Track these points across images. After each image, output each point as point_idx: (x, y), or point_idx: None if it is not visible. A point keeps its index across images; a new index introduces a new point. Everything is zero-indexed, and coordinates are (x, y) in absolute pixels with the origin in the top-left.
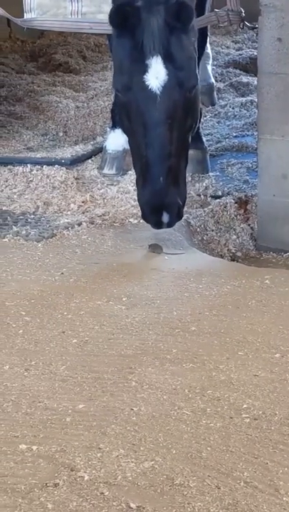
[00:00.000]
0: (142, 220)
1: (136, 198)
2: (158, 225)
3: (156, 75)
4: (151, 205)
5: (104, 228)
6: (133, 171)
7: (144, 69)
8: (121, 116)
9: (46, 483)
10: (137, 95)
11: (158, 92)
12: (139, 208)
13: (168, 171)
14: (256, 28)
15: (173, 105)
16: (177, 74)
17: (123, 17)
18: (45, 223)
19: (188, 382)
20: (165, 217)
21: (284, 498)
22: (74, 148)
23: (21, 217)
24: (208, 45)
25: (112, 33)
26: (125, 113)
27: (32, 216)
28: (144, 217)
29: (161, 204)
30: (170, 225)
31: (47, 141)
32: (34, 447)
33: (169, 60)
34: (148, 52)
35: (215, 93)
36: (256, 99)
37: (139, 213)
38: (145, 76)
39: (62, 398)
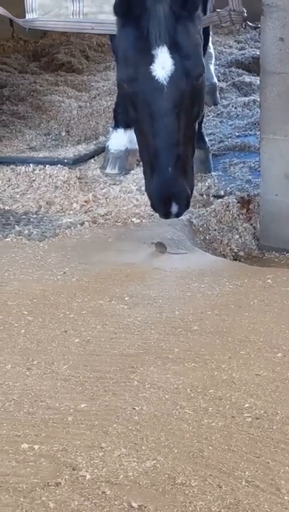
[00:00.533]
0: (144, 220)
1: (138, 197)
2: (167, 215)
3: (162, 65)
4: (160, 195)
5: (106, 228)
6: (136, 170)
7: (151, 59)
8: (127, 107)
9: (48, 483)
10: (143, 86)
11: (165, 82)
12: (141, 208)
13: (176, 161)
14: (258, 27)
15: (180, 95)
16: (184, 63)
17: (128, 6)
18: (47, 223)
19: (190, 381)
20: (174, 208)
21: (285, 498)
22: (76, 147)
23: (24, 216)
24: (210, 44)
25: (117, 22)
26: (131, 104)
27: (34, 216)
28: (152, 207)
29: (170, 194)
30: (178, 214)
31: (49, 140)
32: (36, 446)
33: (175, 50)
34: (154, 42)
35: (218, 93)
36: (259, 99)
37: (142, 213)
38: (152, 66)
39: (64, 397)
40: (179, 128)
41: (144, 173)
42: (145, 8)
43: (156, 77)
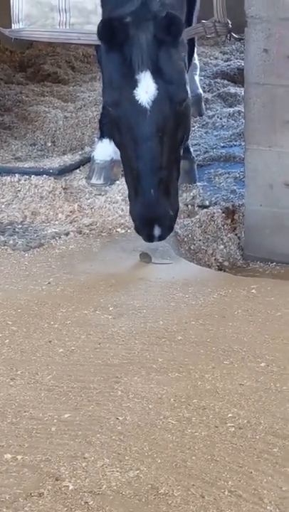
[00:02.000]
0: (129, 230)
1: (123, 207)
2: (150, 238)
3: (145, 89)
4: (143, 217)
5: (91, 238)
6: (121, 180)
7: (134, 84)
8: (112, 130)
9: (31, 493)
10: (127, 110)
11: (148, 106)
12: (126, 218)
13: (159, 184)
14: (243, 39)
15: (163, 119)
16: (167, 88)
17: (111, 32)
18: (32, 233)
19: (173, 391)
20: (157, 231)
21: (268, 507)
22: (62, 158)
23: (9, 226)
24: (195, 55)
25: (101, 47)
26: (116, 127)
27: (20, 226)
28: (136, 230)
29: (152, 217)
30: (161, 238)
31: (35, 151)
32: (19, 457)
33: (158, 75)
34: (137, 67)
35: (203, 103)
36: (244, 110)
37: (127, 223)
38: (135, 91)
39: (47, 408)
40: (162, 152)
41: (129, 196)
42: (128, 34)
43: (140, 101)
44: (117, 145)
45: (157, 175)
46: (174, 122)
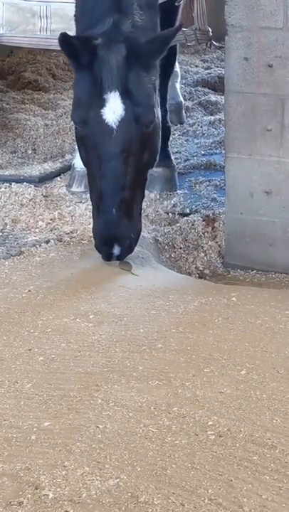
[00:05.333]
0: None
1: None
2: (108, 256)
3: (113, 109)
4: (102, 236)
5: (72, 246)
6: None
7: (102, 103)
8: (79, 148)
9: (10, 502)
10: (93, 128)
11: (114, 126)
12: None
13: (120, 204)
14: (223, 47)
15: (129, 140)
16: (134, 109)
17: (72, 49)
18: (12, 241)
19: (154, 399)
20: (116, 250)
21: None
22: (43, 165)
23: None
24: (176, 63)
25: (72, 65)
26: (83, 145)
27: (0, 233)
28: (96, 248)
29: (111, 236)
30: (120, 257)
31: (16, 158)
32: None
33: (126, 96)
34: (106, 87)
35: (183, 111)
36: (224, 118)
37: None
38: (102, 110)
39: (27, 416)
40: (125, 172)
41: (92, 214)
42: (98, 55)
43: (106, 121)
44: (83, 162)
45: (120, 195)
46: (140, 144)
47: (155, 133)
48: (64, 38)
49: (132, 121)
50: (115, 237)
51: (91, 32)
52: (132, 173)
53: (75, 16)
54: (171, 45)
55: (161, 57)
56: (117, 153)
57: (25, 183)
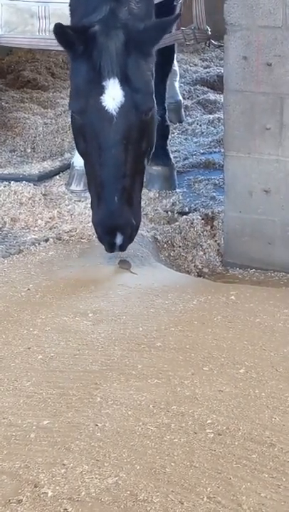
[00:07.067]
0: None
1: None
2: (111, 246)
3: (112, 96)
4: (104, 225)
5: (71, 244)
6: None
7: (101, 90)
8: (77, 138)
9: (10, 500)
10: (93, 116)
11: (114, 113)
12: None
13: (122, 192)
14: (222, 46)
15: (129, 127)
16: (134, 96)
17: (67, 39)
18: (12, 239)
19: (153, 397)
20: (118, 239)
21: None
22: (42, 164)
23: None
24: (175, 62)
25: (69, 55)
26: (81, 134)
27: None
28: (98, 238)
29: (114, 224)
30: (122, 247)
31: (15, 157)
32: None
33: (126, 83)
34: (105, 74)
35: (182, 110)
36: (223, 117)
37: None
38: (102, 97)
39: (26, 414)
40: (126, 160)
41: (91, 204)
42: (96, 43)
43: (106, 108)
44: (81, 153)
45: (121, 183)
46: (140, 131)
47: (153, 121)
48: (59, 28)
49: (132, 108)
50: (119, 226)
51: (88, 19)
52: (133, 161)
53: (69, 5)
54: (170, 44)
55: (158, 44)
56: (118, 140)
57: (24, 182)
